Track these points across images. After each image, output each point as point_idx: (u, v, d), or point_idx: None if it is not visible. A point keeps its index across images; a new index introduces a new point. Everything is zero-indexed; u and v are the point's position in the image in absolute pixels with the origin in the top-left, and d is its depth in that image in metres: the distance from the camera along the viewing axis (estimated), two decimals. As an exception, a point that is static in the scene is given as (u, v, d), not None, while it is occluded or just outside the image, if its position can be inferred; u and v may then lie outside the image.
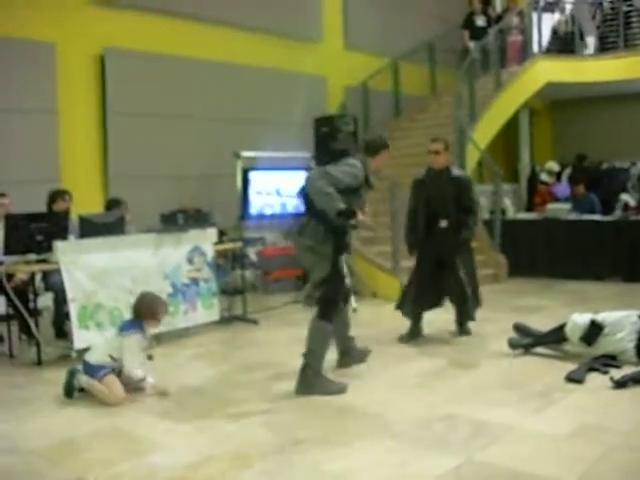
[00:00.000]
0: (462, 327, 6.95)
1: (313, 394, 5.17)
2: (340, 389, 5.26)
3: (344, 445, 4.18)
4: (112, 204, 7.86)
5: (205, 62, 10.28)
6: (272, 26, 11.18)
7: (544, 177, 12.94)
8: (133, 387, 5.29)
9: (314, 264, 5.38)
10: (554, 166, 12.92)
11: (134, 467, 3.97)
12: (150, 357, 5.42)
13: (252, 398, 5.20)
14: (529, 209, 13.39)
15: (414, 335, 6.85)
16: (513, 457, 3.90)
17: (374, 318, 8.13)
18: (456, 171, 6.99)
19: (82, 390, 5.26)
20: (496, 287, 9.80)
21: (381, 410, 4.84)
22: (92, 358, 5.28)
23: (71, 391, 5.25)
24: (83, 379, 5.22)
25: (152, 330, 5.60)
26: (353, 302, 8.32)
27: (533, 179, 14.96)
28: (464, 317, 6.92)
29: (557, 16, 14.05)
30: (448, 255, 6.71)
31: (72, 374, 5.26)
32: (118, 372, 5.26)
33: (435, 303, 6.96)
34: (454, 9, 14.65)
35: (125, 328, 5.39)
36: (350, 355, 5.99)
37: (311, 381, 5.24)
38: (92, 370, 5.21)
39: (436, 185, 6.76)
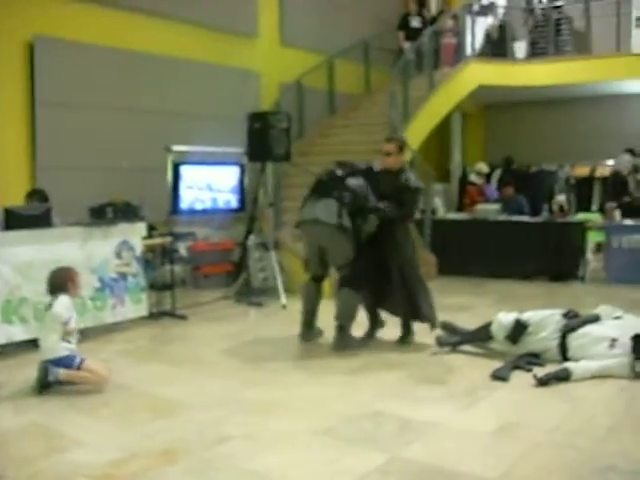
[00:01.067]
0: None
1: (347, 350, 6.28)
2: (364, 343, 6.55)
3: (271, 442, 4.17)
4: (33, 195, 7.64)
5: (138, 54, 10.10)
6: (207, 19, 11.05)
7: (473, 178, 13.13)
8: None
9: (342, 247, 6.31)
10: (483, 167, 13.10)
11: (55, 464, 3.90)
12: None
13: (179, 394, 5.14)
14: (459, 209, 13.58)
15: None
16: (438, 454, 3.95)
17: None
18: (408, 176, 6.50)
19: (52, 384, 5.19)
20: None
21: (307, 406, 4.84)
22: (51, 355, 5.17)
23: (45, 387, 5.14)
24: (61, 372, 5.12)
25: (75, 298, 5.56)
26: (283, 299, 8.33)
27: (464, 180, 15.18)
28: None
29: (490, 20, 14.26)
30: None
31: (45, 369, 5.14)
32: None
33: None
34: (390, 10, 14.76)
35: (50, 305, 5.30)
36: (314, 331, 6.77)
37: (347, 341, 6.41)
38: (63, 363, 5.13)
39: (379, 182, 6.51)
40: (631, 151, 12.22)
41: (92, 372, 5.19)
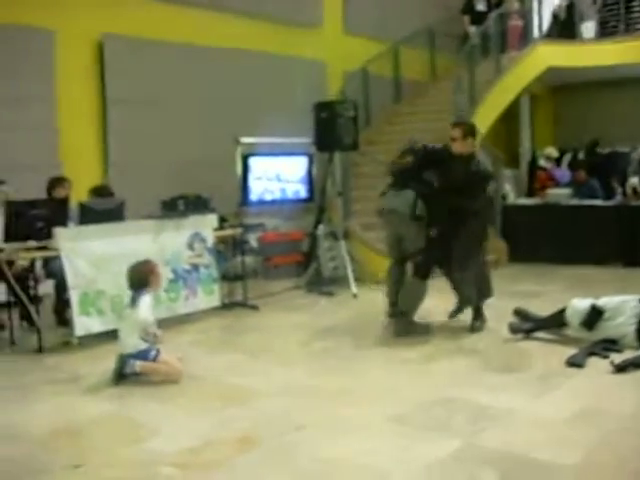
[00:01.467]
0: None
1: (411, 335, 6.38)
2: (427, 329, 6.62)
3: (343, 430, 4.20)
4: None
5: (204, 48, 10.22)
6: (271, 11, 11.11)
7: (542, 162, 12.90)
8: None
9: (416, 235, 6.49)
10: (552, 152, 12.89)
11: (134, 453, 3.98)
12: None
13: (253, 384, 5.20)
14: (530, 194, 13.37)
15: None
16: (512, 441, 3.92)
17: (375, 304, 8.11)
18: (479, 162, 6.45)
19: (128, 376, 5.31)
20: (496, 272, 9.69)
21: (381, 394, 4.86)
22: (129, 350, 5.27)
23: (121, 378, 5.26)
24: (137, 364, 5.23)
25: (157, 291, 5.73)
26: (353, 288, 8.34)
27: (534, 164, 14.94)
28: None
29: (557, 1, 13.98)
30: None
31: (122, 362, 5.26)
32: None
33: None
34: (455, -6, 14.60)
35: (133, 301, 5.38)
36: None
37: (409, 327, 6.51)
38: (141, 356, 5.24)
39: (451, 167, 6.46)
40: None
41: (167, 364, 5.28)
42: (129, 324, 5.36)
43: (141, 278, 5.43)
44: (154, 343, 5.32)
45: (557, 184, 12.08)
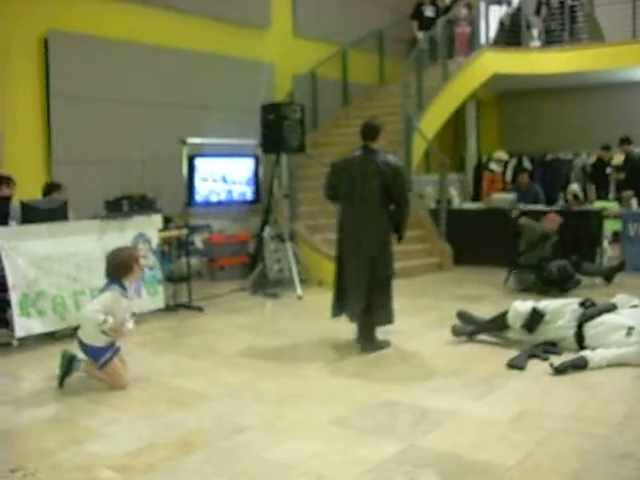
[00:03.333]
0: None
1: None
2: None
3: (288, 433, 4.19)
4: (50, 188, 7.69)
5: (152, 47, 10.13)
6: (220, 11, 11.06)
7: (493, 166, 12.98)
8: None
9: None
10: (503, 155, 12.95)
11: (74, 456, 3.92)
12: (133, 314, 5.39)
13: (196, 386, 5.17)
14: (475, 199, 13.54)
15: None
16: (455, 442, 3.95)
17: (319, 306, 8.13)
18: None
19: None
20: (441, 276, 9.92)
21: (324, 397, 4.86)
22: (86, 338, 5.11)
23: (66, 374, 5.11)
24: (82, 366, 5.12)
25: (135, 282, 5.55)
26: (299, 290, 8.35)
27: (480, 169, 15.14)
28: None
29: (504, 8, 14.19)
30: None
31: (70, 361, 5.11)
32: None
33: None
34: (404, -1, 14.74)
35: (103, 289, 5.26)
36: None
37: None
38: (92, 353, 5.09)
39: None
40: (626, 140, 12.03)
41: (112, 376, 5.10)
42: (93, 313, 5.14)
43: (123, 265, 5.23)
44: (112, 338, 5.15)
45: (504, 188, 12.22)
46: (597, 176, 12.32)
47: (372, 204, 6.03)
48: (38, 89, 9.13)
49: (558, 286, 8.18)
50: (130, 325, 5.30)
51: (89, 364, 5.14)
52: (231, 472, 3.66)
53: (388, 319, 6.14)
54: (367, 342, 6.06)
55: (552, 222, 8.67)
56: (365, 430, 4.19)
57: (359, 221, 6.08)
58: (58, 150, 9.15)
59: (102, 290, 5.27)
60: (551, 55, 13.58)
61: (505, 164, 13.49)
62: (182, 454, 3.91)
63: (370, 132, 6.17)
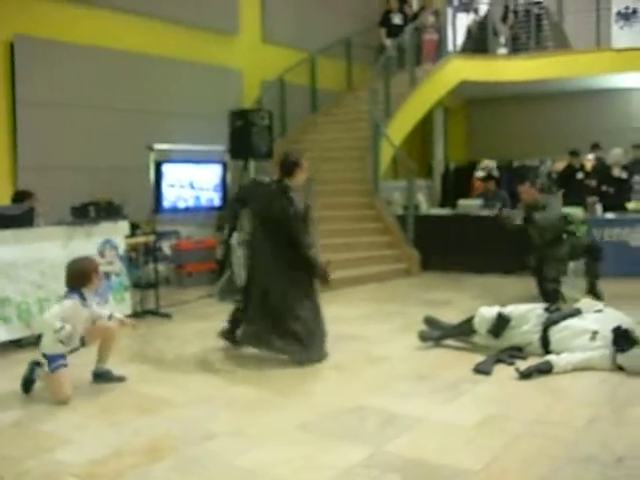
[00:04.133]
0: None
1: None
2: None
3: (256, 438, 4.19)
4: (21, 196, 7.61)
5: (119, 52, 10.08)
6: (188, 17, 11.04)
7: (480, 174, 12.65)
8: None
9: None
10: (489, 163, 12.75)
11: (41, 464, 3.89)
12: (94, 321, 5.31)
13: (164, 392, 5.15)
14: (443, 205, 13.61)
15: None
16: (421, 447, 3.98)
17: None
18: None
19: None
20: (408, 281, 9.97)
21: (291, 402, 4.87)
22: (46, 349, 5.06)
23: (29, 385, 5.09)
24: (40, 373, 5.08)
25: (94, 291, 5.42)
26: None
27: (447, 175, 15.25)
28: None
29: (471, 16, 14.32)
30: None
31: (32, 369, 5.08)
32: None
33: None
34: (371, 7, 14.86)
35: (63, 297, 5.20)
36: None
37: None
38: (51, 359, 5.02)
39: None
40: (597, 146, 12.17)
41: (56, 386, 5.00)
42: (50, 324, 5.07)
43: (82, 275, 5.19)
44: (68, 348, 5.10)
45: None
46: (567, 182, 12.33)
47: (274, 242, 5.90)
48: (3, 94, 9.04)
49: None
50: (117, 315, 5.47)
51: (44, 374, 5.08)
52: (199, 479, 3.65)
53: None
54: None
55: (527, 194, 8.55)
56: (332, 435, 4.21)
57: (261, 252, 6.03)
58: (24, 156, 9.06)
59: (62, 298, 5.22)
60: (517, 63, 13.73)
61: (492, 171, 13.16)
62: (150, 461, 3.89)
63: (287, 167, 6.03)
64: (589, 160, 12.41)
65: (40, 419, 4.64)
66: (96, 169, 9.45)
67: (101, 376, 5.39)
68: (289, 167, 6.02)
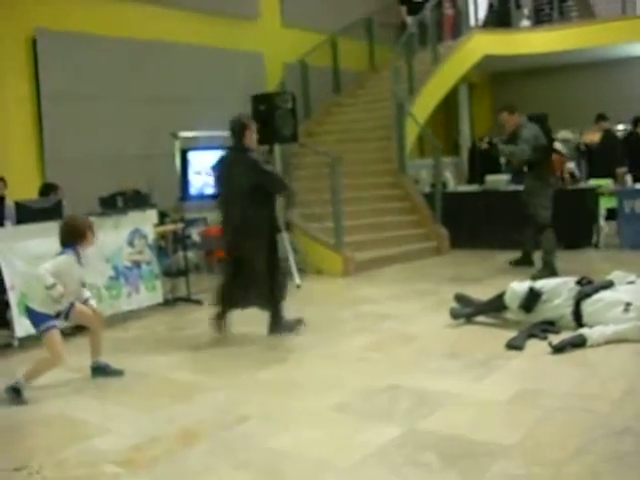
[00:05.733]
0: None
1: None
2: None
3: (289, 420, 4.21)
4: (47, 189, 7.72)
5: (141, 42, 10.12)
6: (208, 4, 11.05)
7: (558, 146, 11.56)
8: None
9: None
10: (567, 134, 12.26)
11: (79, 452, 3.94)
12: (83, 285, 5.27)
13: (197, 378, 5.20)
14: (471, 181, 13.51)
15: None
16: (455, 424, 3.97)
17: (319, 294, 8.16)
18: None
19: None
20: (437, 259, 9.93)
21: (324, 383, 4.87)
22: (34, 304, 4.99)
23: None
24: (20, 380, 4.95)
25: (88, 249, 5.27)
26: (297, 279, 8.35)
27: (474, 151, 15.11)
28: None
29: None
30: None
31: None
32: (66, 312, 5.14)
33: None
34: (392, -16, 14.69)
35: (58, 254, 5.12)
36: None
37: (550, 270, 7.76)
38: (35, 318, 4.97)
39: None
40: (602, 116, 11.82)
41: (51, 345, 4.93)
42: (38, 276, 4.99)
43: (77, 231, 5.10)
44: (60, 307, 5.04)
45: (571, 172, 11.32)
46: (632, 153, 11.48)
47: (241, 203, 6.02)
48: (28, 89, 9.13)
49: None
50: (93, 303, 5.30)
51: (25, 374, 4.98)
52: (235, 462, 3.67)
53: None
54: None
55: (509, 121, 8.48)
56: (366, 415, 4.21)
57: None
58: (51, 149, 9.16)
59: (57, 255, 5.11)
60: (541, 34, 13.57)
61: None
62: (185, 446, 3.92)
63: (236, 130, 6.18)
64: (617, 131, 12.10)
65: (76, 408, 4.70)
66: (122, 159, 9.51)
67: (99, 370, 5.34)
68: (238, 129, 6.16)
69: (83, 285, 5.29)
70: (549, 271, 7.98)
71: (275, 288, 6.15)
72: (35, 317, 5.00)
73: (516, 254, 8.91)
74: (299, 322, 6.26)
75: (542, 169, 8.31)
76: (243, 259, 6.07)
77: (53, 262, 4.99)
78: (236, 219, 6.05)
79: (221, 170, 6.29)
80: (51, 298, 4.88)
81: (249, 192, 5.96)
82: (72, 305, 5.16)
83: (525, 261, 8.76)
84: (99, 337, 5.40)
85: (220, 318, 6.31)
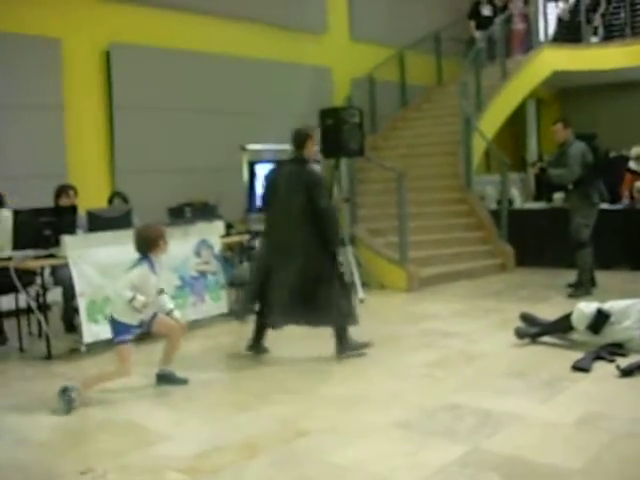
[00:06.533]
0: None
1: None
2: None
3: (351, 435, 4.21)
4: (114, 197, 7.93)
5: (210, 55, 10.28)
6: (276, 18, 11.17)
7: (632, 165, 11.36)
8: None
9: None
10: None
11: (143, 458, 4.01)
12: (162, 291, 5.35)
13: (260, 390, 5.23)
14: (538, 198, 13.32)
15: None
16: (519, 446, 3.92)
17: (382, 309, 8.15)
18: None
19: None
20: (503, 277, 9.82)
21: (387, 400, 4.86)
22: (116, 312, 5.09)
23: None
24: (76, 387, 5.00)
25: (162, 256, 5.39)
26: (360, 293, 8.36)
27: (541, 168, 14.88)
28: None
29: (561, 4, 13.97)
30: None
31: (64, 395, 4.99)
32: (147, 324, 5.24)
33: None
34: (461, -1, 14.66)
35: (134, 264, 5.22)
36: None
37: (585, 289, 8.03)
38: (116, 327, 5.07)
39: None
40: None
41: (122, 358, 5.04)
42: (120, 286, 5.13)
43: (150, 240, 5.22)
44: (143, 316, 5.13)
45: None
46: None
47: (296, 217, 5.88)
48: (101, 100, 9.37)
49: None
50: (178, 314, 5.37)
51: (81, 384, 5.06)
52: (296, 475, 3.69)
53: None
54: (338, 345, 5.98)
55: (558, 133, 8.39)
56: (429, 433, 4.19)
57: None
58: (121, 159, 9.36)
59: (131, 267, 5.21)
60: (612, 50, 13.34)
61: None
62: (247, 457, 3.95)
63: (298, 140, 6.09)
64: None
65: (141, 415, 4.78)
66: (191, 170, 9.66)
67: (164, 378, 5.41)
68: (300, 139, 6.08)
69: (161, 292, 5.36)
70: (584, 290, 8.04)
71: (341, 307, 5.96)
72: (116, 326, 5.11)
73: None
74: (366, 345, 6.07)
75: (588, 187, 8.19)
76: (296, 274, 5.87)
77: (128, 276, 5.10)
78: (286, 234, 5.95)
79: (274, 180, 6.18)
80: (134, 309, 4.99)
81: (302, 207, 5.84)
82: (155, 315, 5.27)
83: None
84: (175, 348, 5.45)
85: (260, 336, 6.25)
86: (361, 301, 8.26)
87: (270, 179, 6.29)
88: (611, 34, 13.78)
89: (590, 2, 13.95)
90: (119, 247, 6.63)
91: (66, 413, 4.83)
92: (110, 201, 8.01)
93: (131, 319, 5.07)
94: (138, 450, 4.12)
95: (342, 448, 4.02)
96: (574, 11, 13.83)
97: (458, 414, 4.48)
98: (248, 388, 5.29)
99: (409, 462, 3.78)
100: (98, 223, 6.71)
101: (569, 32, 13.64)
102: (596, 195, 8.27)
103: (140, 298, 4.98)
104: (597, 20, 13.87)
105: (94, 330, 6.41)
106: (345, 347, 5.97)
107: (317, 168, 6.24)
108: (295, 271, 5.85)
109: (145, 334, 5.72)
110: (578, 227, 8.19)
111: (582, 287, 8.15)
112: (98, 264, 6.48)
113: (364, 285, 8.61)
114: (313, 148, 6.19)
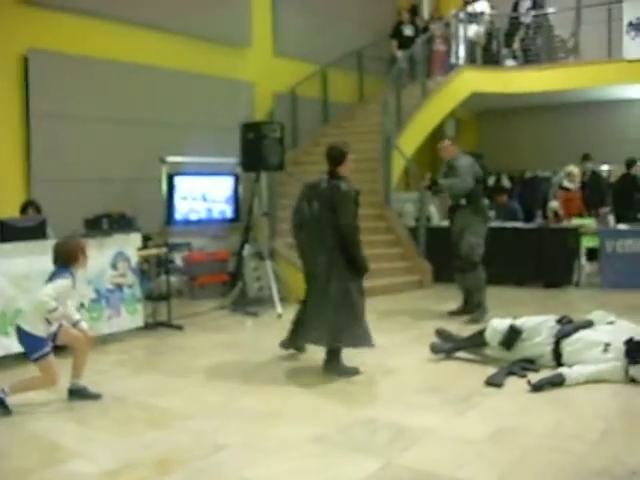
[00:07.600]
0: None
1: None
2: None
3: (266, 450, 4.18)
4: (27, 207, 7.72)
5: (132, 65, 10.14)
6: (200, 30, 11.10)
7: (566, 183, 11.67)
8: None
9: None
10: (574, 170, 11.70)
11: (53, 475, 3.91)
12: (82, 305, 5.26)
13: (175, 404, 5.15)
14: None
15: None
16: (433, 460, 3.96)
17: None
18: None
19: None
20: (420, 293, 9.95)
21: (303, 414, 4.86)
22: (27, 325, 5.02)
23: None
24: (6, 388, 5.00)
25: (82, 270, 5.40)
26: (279, 308, 8.34)
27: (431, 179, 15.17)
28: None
29: (477, 28, 14.23)
30: None
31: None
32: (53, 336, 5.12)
33: None
34: (383, 18, 14.85)
35: (50, 277, 5.15)
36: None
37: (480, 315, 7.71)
38: (29, 343, 5.00)
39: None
40: (587, 156, 11.94)
41: (46, 371, 5.01)
42: (35, 300, 5.09)
43: (70, 253, 5.16)
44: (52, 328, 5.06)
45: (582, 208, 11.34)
46: (625, 194, 11.62)
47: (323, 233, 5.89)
48: (18, 107, 9.11)
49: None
50: (84, 325, 5.29)
51: (11, 386, 5.03)
52: (209, 491, 3.66)
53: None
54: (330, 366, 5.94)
55: (446, 151, 8.50)
56: (344, 448, 4.20)
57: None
58: (37, 168, 9.12)
59: (52, 277, 5.14)
60: (528, 74, 13.71)
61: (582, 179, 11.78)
62: (160, 473, 3.89)
63: (335, 158, 6.12)
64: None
65: (52, 430, 4.66)
66: (109, 181, 9.50)
67: (76, 392, 5.30)
68: (338, 157, 6.12)
69: (82, 305, 5.31)
70: (483, 310, 7.91)
71: (340, 328, 5.81)
72: (29, 341, 5.02)
73: (496, 290, 8.92)
74: (355, 371, 5.89)
75: (481, 203, 8.19)
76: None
77: (53, 286, 5.03)
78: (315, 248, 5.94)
79: (309, 194, 6.15)
80: (50, 321, 4.94)
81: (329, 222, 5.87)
82: (60, 326, 5.16)
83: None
84: (84, 359, 5.36)
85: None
86: (279, 316, 8.24)
87: (305, 196, 6.21)
88: (528, 58, 14.16)
89: (509, 27, 14.32)
90: (32, 258, 6.47)
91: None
92: (23, 210, 7.78)
93: (43, 331, 4.99)
94: (48, 467, 4.02)
95: (257, 463, 3.99)
96: (491, 35, 14.16)
97: (373, 429, 4.50)
98: (161, 403, 5.20)
99: (324, 476, 3.78)
100: (11, 233, 6.51)
101: (487, 55, 13.97)
102: (487, 211, 8.37)
103: (60, 310, 4.94)
104: (516, 44, 14.23)
105: (4, 343, 6.21)
106: (336, 368, 5.89)
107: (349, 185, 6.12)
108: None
109: (57, 347, 5.58)
110: (471, 246, 7.96)
111: (479, 308, 7.94)
112: (10, 275, 6.30)
113: (282, 300, 8.59)
114: (351, 165, 6.20)
